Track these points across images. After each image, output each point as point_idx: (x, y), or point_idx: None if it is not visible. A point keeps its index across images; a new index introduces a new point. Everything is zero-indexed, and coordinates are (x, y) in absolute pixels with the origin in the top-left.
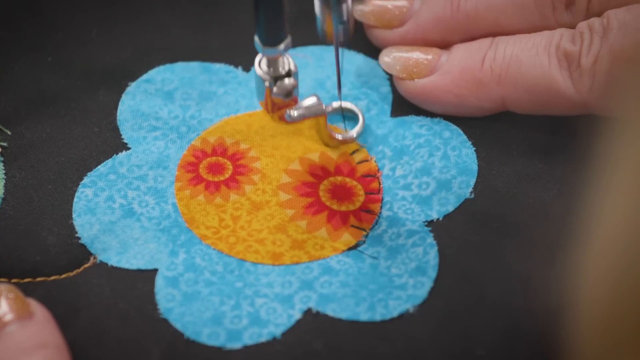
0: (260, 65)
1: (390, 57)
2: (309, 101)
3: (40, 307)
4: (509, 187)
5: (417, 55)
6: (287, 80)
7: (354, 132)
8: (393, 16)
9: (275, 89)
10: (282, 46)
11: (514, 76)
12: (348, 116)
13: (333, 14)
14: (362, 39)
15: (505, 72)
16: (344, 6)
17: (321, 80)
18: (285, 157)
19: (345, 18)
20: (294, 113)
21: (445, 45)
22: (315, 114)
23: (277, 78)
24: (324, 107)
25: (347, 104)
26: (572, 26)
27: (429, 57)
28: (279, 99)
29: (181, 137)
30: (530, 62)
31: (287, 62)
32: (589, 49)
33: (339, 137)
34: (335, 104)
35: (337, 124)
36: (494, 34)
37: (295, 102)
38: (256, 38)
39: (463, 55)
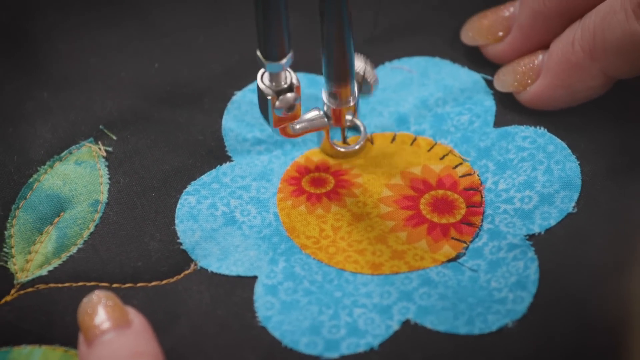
0: (262, 79)
1: (501, 79)
2: (312, 114)
3: (138, 315)
4: (613, 203)
5: (522, 65)
6: (289, 94)
7: (356, 145)
8: (499, 28)
9: (277, 103)
10: (284, 61)
11: (602, 45)
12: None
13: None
14: (463, 52)
15: (593, 45)
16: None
17: (424, 98)
18: (387, 173)
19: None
20: (297, 126)
21: (550, 41)
22: (317, 126)
23: (279, 92)
24: (326, 120)
25: (349, 117)
26: None
27: (532, 63)
28: (282, 113)
29: (285, 154)
30: (610, 25)
31: (289, 76)
32: None
33: (341, 149)
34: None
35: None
36: (587, 9)
37: (298, 115)
38: (258, 53)
39: (557, 47)
